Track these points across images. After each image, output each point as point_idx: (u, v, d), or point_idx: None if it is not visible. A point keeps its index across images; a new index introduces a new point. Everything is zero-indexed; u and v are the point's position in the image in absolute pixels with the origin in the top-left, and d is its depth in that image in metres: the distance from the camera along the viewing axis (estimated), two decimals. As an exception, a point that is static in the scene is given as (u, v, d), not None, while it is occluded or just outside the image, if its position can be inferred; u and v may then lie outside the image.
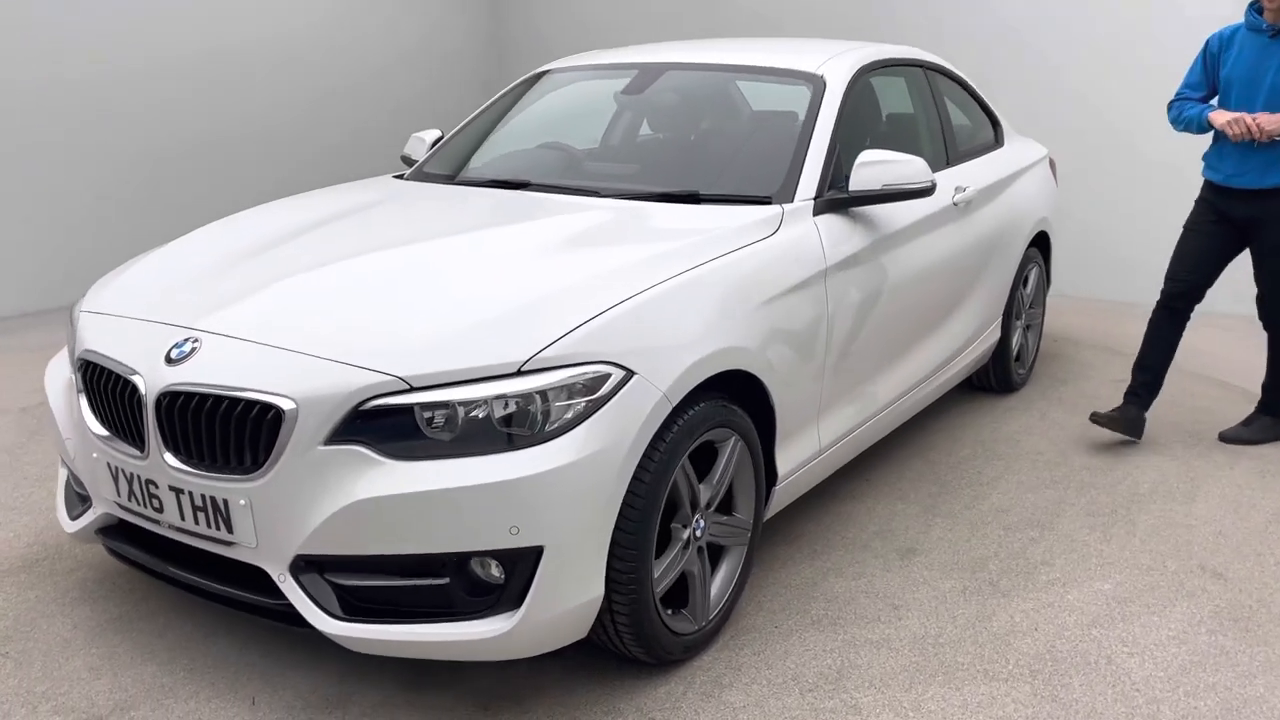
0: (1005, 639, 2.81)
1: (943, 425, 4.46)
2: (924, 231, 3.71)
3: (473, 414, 2.20)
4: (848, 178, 3.23)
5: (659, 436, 2.43)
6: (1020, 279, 4.71)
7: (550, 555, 2.23)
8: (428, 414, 2.20)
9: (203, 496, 2.33)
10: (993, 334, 4.54)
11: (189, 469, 2.34)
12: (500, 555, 2.23)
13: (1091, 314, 6.37)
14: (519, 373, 2.24)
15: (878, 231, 3.41)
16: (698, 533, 2.66)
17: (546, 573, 2.23)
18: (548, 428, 2.24)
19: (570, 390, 2.27)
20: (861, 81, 3.79)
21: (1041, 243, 5.03)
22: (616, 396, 2.32)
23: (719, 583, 2.79)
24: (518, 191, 3.37)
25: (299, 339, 2.35)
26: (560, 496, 2.22)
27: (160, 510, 2.42)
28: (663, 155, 3.66)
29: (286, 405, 2.22)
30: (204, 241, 3.13)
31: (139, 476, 2.44)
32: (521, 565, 2.24)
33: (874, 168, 3.23)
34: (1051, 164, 5.29)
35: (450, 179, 3.65)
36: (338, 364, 2.25)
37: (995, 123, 4.86)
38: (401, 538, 2.20)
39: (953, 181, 4.03)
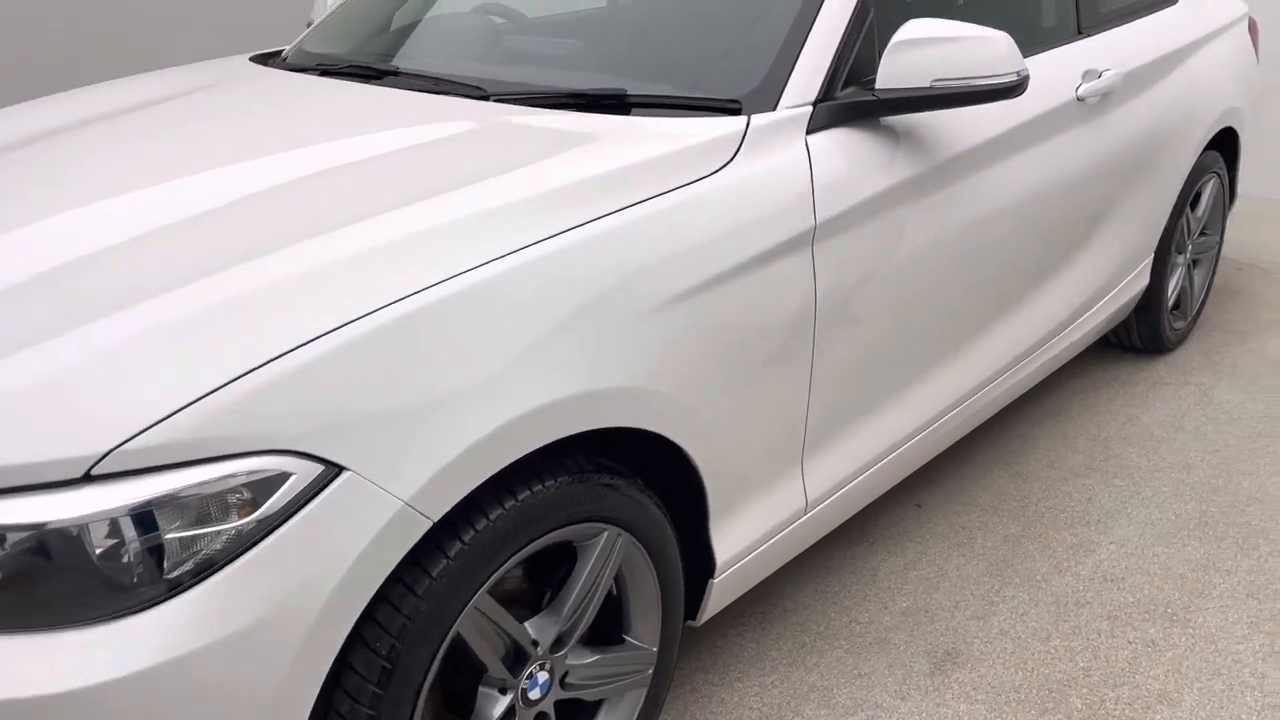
0: None
1: (1050, 410, 3.18)
2: (1021, 146, 2.39)
3: None
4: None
5: (406, 577, 1.35)
6: (1188, 199, 3.29)
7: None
8: None
9: None
10: (1138, 279, 3.18)
11: None
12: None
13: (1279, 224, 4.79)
14: (87, 478, 1.17)
15: (932, 155, 2.13)
16: (534, 693, 1.59)
17: None
18: (153, 582, 1.18)
19: (199, 509, 1.19)
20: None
21: (1225, 143, 3.55)
22: (302, 515, 1.23)
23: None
24: (370, 87, 2.21)
25: None
26: (178, 715, 1.18)
27: None
28: (617, 32, 2.40)
29: None
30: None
31: None
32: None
33: (919, 50, 1.94)
34: (1252, 26, 3.72)
35: (322, 61, 2.50)
36: None
37: (1167, -33, 3.35)
38: None
39: (1080, 63, 2.64)
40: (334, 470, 1.25)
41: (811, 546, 2.51)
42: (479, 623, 1.47)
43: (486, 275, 1.42)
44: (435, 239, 1.45)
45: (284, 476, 1.22)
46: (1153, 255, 3.23)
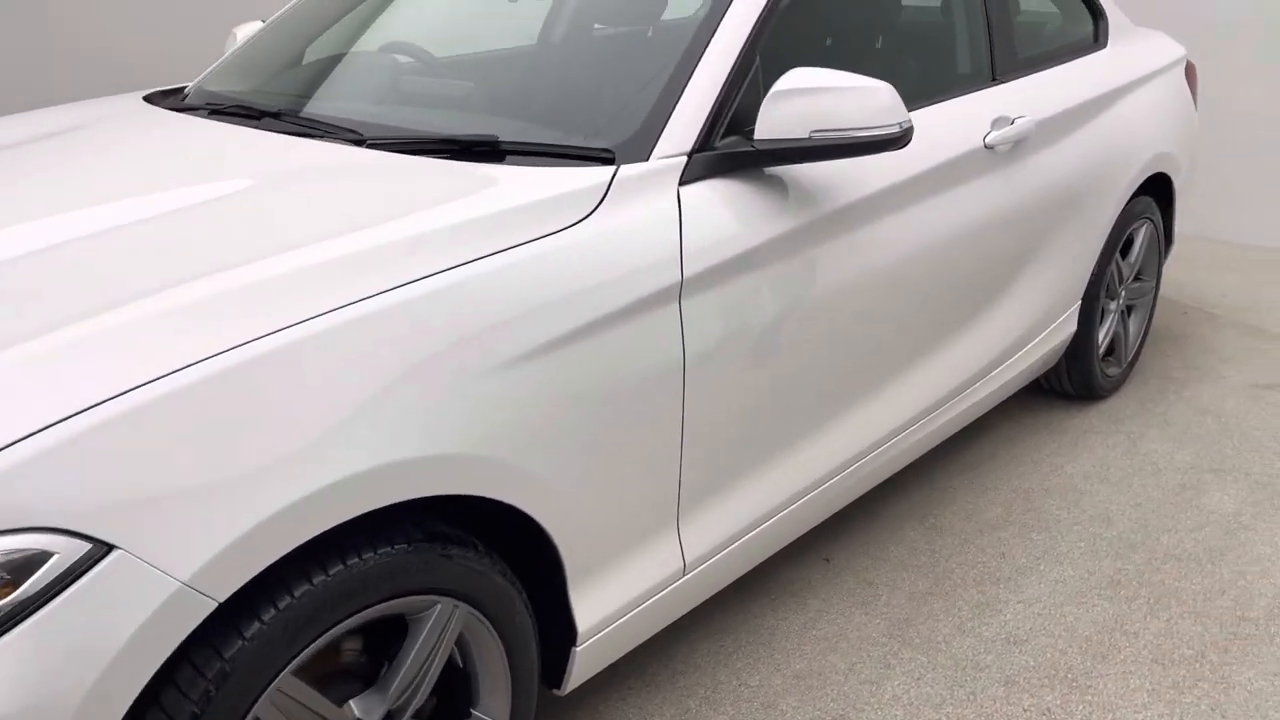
0: None
1: (974, 460, 3.11)
2: (923, 195, 2.34)
3: None
4: (768, 116, 1.91)
5: (196, 658, 1.28)
6: (1117, 245, 3.25)
7: None
8: None
9: None
10: (1065, 325, 3.12)
11: None
12: None
13: (1240, 268, 4.75)
14: None
15: (821, 204, 2.07)
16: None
17: None
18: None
19: (-57, 594, 1.12)
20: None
21: (1159, 188, 3.52)
22: (65, 596, 1.16)
23: None
24: (242, 130, 2.14)
25: None
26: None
27: None
28: (514, 77, 2.34)
29: None
30: None
31: None
32: None
33: (797, 101, 1.89)
34: (1190, 71, 3.70)
35: (212, 100, 2.43)
36: None
37: (1096, 11, 3.32)
38: None
39: (990, 111, 2.60)
40: (103, 548, 1.17)
41: (712, 602, 2.43)
42: (284, 706, 1.39)
43: (299, 335, 1.35)
44: (251, 296, 1.38)
45: (45, 556, 1.15)
46: (1080, 301, 3.18)
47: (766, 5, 2.08)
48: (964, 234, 2.48)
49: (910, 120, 1.95)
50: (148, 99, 2.56)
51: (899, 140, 1.93)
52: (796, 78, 1.91)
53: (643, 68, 2.05)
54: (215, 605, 1.24)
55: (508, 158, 1.89)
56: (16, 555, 1.13)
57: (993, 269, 2.65)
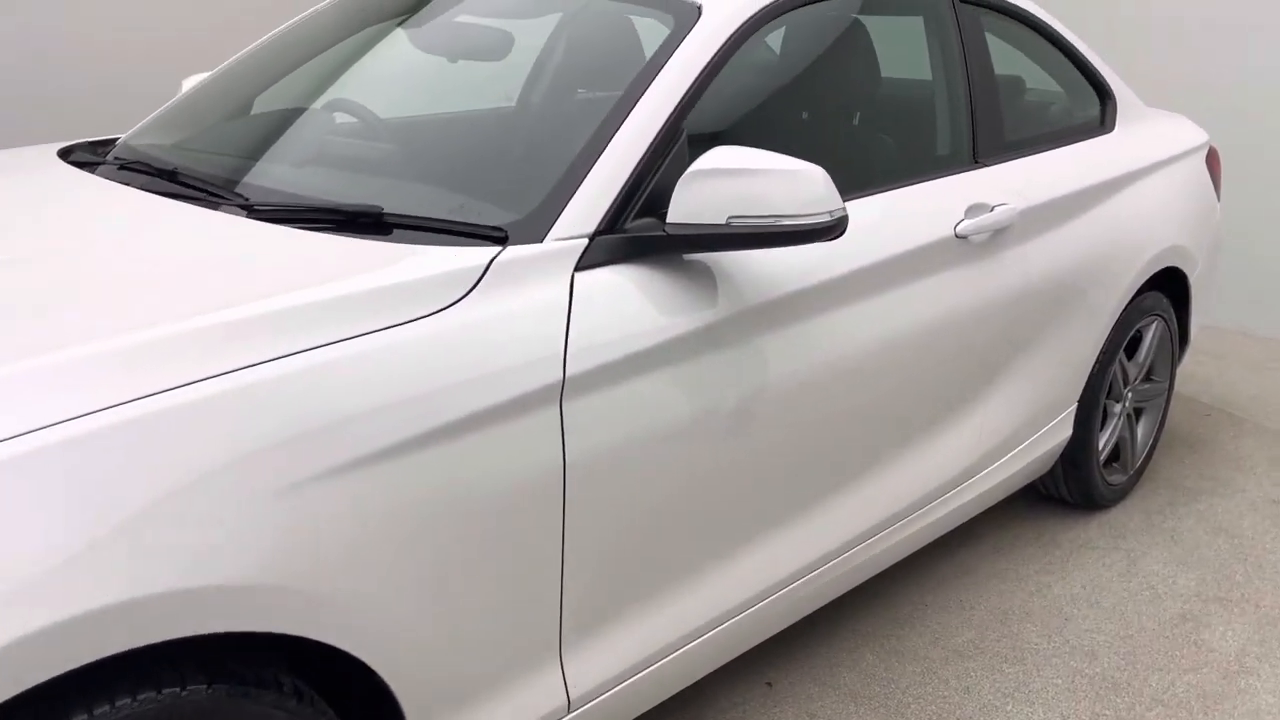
0: None
1: (951, 572, 2.83)
2: (875, 288, 2.11)
3: None
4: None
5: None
6: (1120, 343, 2.98)
7: None
8: None
9: None
10: (1059, 429, 2.85)
11: None
12: None
13: (1269, 367, 4.42)
14: None
15: (749, 296, 1.85)
16: None
17: None
18: None
19: None
20: (799, 18, 2.20)
21: (1173, 283, 3.25)
22: None
23: None
24: (125, 190, 1.96)
25: None
26: None
27: None
28: (438, 143, 2.16)
29: None
30: None
31: None
32: None
33: (715, 182, 1.68)
34: (1213, 158, 3.45)
35: (122, 154, 2.27)
36: None
37: (1103, 91, 3.09)
38: None
39: (966, 196, 2.37)
40: None
41: None
42: None
43: (38, 442, 1.15)
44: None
45: None
46: (1076, 403, 2.91)
47: (697, 78, 1.89)
48: (931, 329, 2.24)
49: (844, 209, 1.73)
50: (65, 151, 2.41)
51: (828, 231, 1.71)
52: (717, 157, 1.70)
53: (560, 140, 1.86)
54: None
55: (394, 232, 1.70)
56: None
57: (967, 367, 2.41)
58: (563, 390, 1.56)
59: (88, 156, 2.31)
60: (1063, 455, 2.99)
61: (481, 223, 1.69)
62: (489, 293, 1.55)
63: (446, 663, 1.51)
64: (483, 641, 1.56)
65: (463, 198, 1.79)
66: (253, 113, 2.42)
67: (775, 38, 2.43)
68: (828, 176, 1.72)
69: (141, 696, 1.21)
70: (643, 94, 1.83)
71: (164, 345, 1.30)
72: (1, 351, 1.25)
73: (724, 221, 1.68)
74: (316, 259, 1.58)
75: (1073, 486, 3.09)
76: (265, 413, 1.29)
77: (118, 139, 2.59)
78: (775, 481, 1.97)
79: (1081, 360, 2.83)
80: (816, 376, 1.98)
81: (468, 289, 1.53)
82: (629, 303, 1.68)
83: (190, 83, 2.83)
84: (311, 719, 1.37)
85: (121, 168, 2.15)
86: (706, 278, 1.80)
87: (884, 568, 2.43)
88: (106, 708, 1.18)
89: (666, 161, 1.80)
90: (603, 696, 1.77)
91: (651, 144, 1.79)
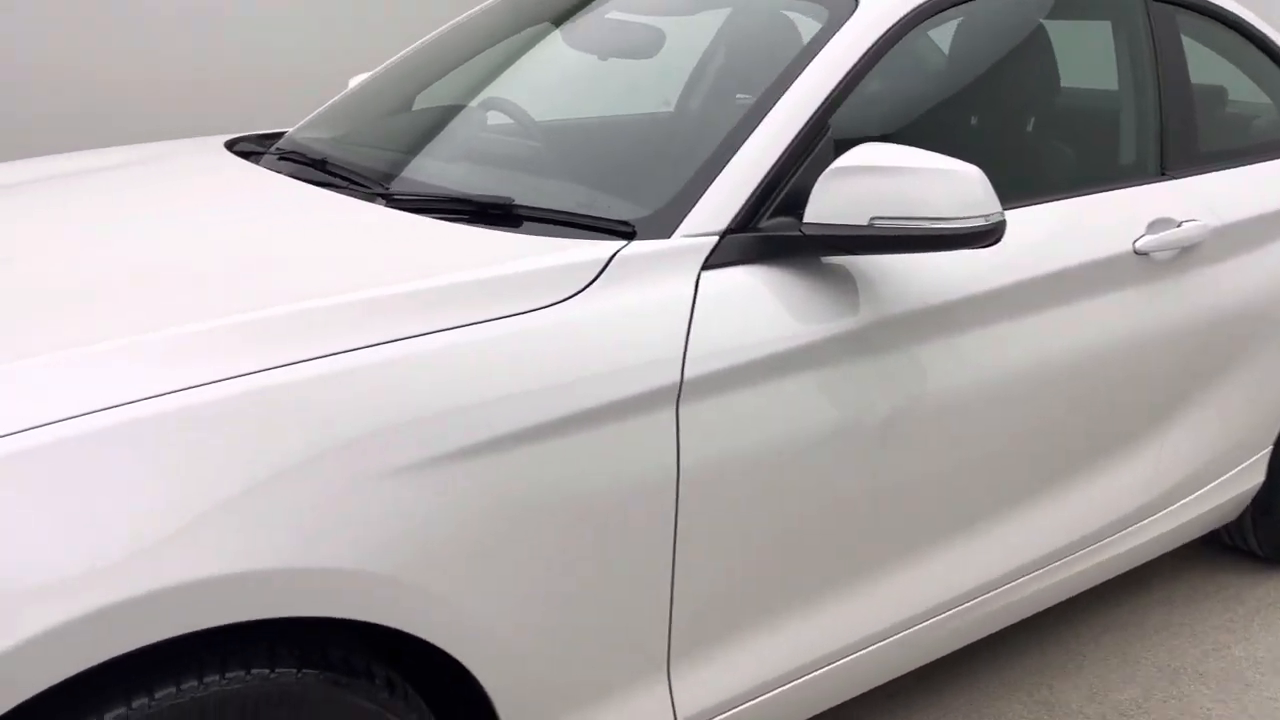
0: None
1: (1117, 621, 2.59)
2: (1039, 305, 1.93)
3: None
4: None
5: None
6: (1327, 382, 2.66)
7: None
8: None
9: None
10: (1249, 474, 2.57)
11: None
12: None
13: None
14: None
15: (893, 304, 1.73)
16: None
17: None
18: None
19: None
20: (973, 18, 2.06)
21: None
22: None
23: None
24: (273, 176, 2.01)
25: None
26: None
27: None
28: (579, 138, 2.13)
29: None
30: None
31: None
32: None
33: (859, 181, 1.57)
34: None
35: (282, 147, 2.34)
36: None
37: (1318, 102, 2.78)
38: None
39: (1149, 210, 2.16)
40: None
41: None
42: None
43: (149, 412, 1.16)
44: (119, 359, 1.21)
45: None
46: (1271, 446, 2.62)
47: (848, 74, 1.77)
48: (1102, 351, 2.04)
49: (1001, 214, 1.59)
50: (230, 142, 2.50)
51: (983, 237, 1.57)
52: (862, 154, 1.59)
53: (696, 136, 1.79)
54: (-22, 726, 1.05)
55: (524, 224, 1.67)
56: None
57: (1143, 396, 2.19)
58: (680, 392, 1.48)
59: (251, 147, 2.40)
60: (1253, 503, 2.70)
61: (609, 217, 1.63)
62: (609, 287, 1.49)
63: (547, 670, 1.45)
64: (587, 651, 1.49)
65: (596, 192, 1.75)
66: (412, 110, 2.46)
67: (944, 37, 2.29)
68: (985, 178, 1.58)
69: (230, 675, 1.20)
70: (786, 89, 1.74)
71: (283, 324, 1.29)
72: (126, 323, 1.28)
73: (866, 223, 1.57)
74: (443, 247, 1.56)
75: (1263, 538, 2.79)
76: (375, 396, 1.27)
77: (284, 133, 2.69)
78: (912, 507, 1.83)
79: (1278, 398, 2.54)
80: (966, 396, 1.83)
81: (587, 283, 1.48)
82: (758, 305, 1.59)
83: (356, 81, 2.91)
84: (403, 713, 1.34)
85: (281, 158, 2.22)
86: (845, 283, 1.69)
87: (1037, 610, 2.24)
88: (194, 683, 1.18)
89: (809, 160, 1.70)
90: (728, 715, 1.67)
91: (793, 141, 1.69)
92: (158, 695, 1.15)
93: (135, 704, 1.14)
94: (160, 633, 1.12)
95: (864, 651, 1.84)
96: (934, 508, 1.86)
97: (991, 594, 2.03)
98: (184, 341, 1.24)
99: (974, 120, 2.20)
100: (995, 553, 2.01)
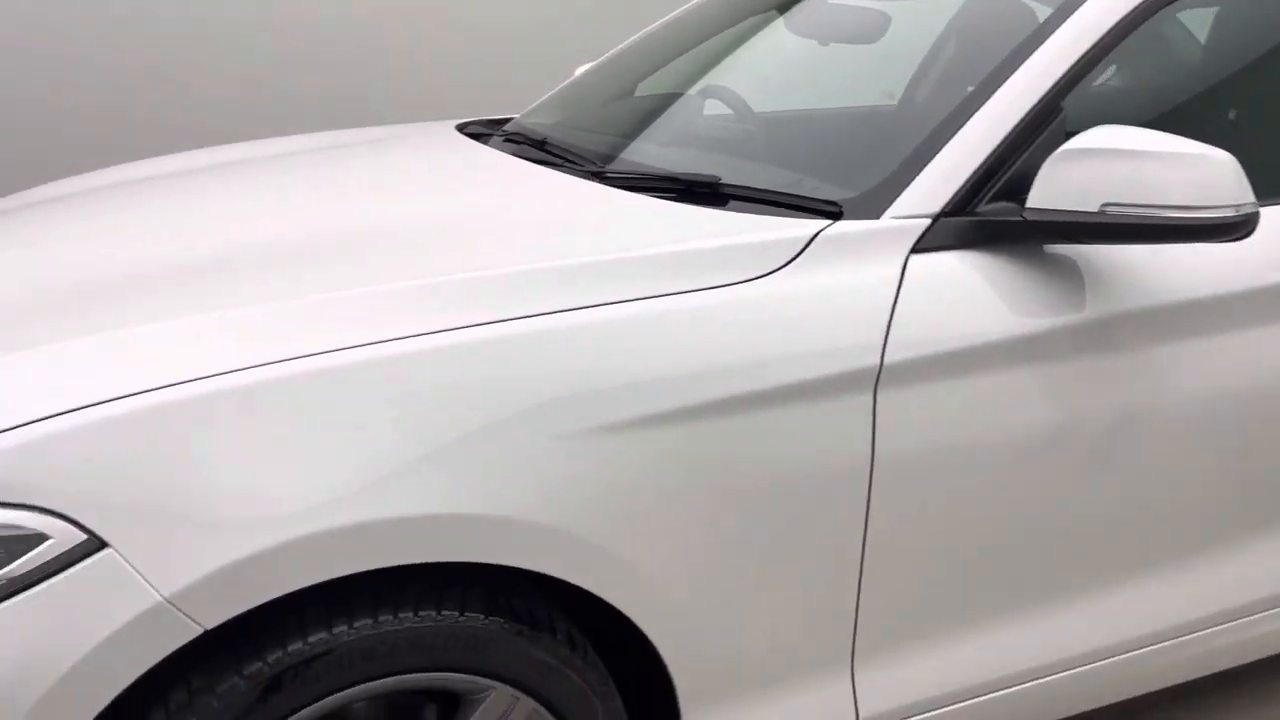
0: None
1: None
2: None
3: None
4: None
5: (196, 682, 1.17)
6: None
7: None
8: None
9: None
10: None
11: None
12: None
13: None
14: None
15: (1120, 300, 1.60)
16: None
17: None
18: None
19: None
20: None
21: None
22: (49, 584, 1.10)
23: None
24: (495, 154, 2.09)
25: None
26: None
27: None
28: (798, 124, 2.10)
29: None
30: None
31: None
32: None
33: (1091, 164, 1.47)
34: None
35: (507, 129, 2.44)
36: None
37: None
38: None
39: None
40: (96, 544, 1.11)
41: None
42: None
43: (367, 357, 1.23)
44: (347, 310, 1.29)
45: (39, 538, 1.10)
46: None
47: (1086, 54, 1.65)
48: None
49: (1254, 205, 1.45)
50: (461, 125, 2.63)
51: (1232, 230, 1.44)
52: (1097, 136, 1.49)
53: (919, 120, 1.73)
54: (201, 631, 1.14)
55: (730, 203, 1.66)
56: (12, 532, 1.10)
57: None
58: (879, 378, 1.43)
59: (479, 129, 2.51)
60: None
61: (816, 196, 1.60)
62: (811, 265, 1.45)
63: (727, 650, 1.44)
64: (769, 635, 1.47)
65: (804, 175, 1.72)
66: (634, 96, 2.51)
67: (1200, 23, 2.12)
68: (1238, 165, 1.44)
69: (423, 614, 1.26)
70: (1017, 68, 1.65)
71: (499, 284, 1.36)
72: (369, 275, 1.38)
73: (1097, 209, 1.46)
74: (648, 220, 1.59)
75: None
76: (580, 358, 1.31)
77: (510, 118, 2.81)
78: (1131, 523, 1.69)
79: None
80: (1205, 405, 1.67)
81: (787, 260, 1.45)
82: (970, 292, 1.51)
83: (581, 70, 3.00)
84: (582, 671, 1.36)
85: (506, 139, 2.32)
86: (1071, 274, 1.58)
87: (1241, 663, 2.01)
88: (389, 616, 1.24)
89: (1037, 143, 1.60)
90: (912, 723, 1.60)
91: (1020, 122, 1.59)
92: (356, 624, 1.22)
93: (336, 630, 1.21)
94: (370, 562, 1.19)
95: (1060, 677, 1.71)
96: (1150, 526, 1.71)
97: (1212, 630, 1.84)
98: (410, 295, 1.32)
99: (1230, 113, 2.02)
100: (1228, 583, 1.83)
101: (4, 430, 1.12)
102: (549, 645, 1.33)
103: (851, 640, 1.53)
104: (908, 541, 1.51)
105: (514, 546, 1.26)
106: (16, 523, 1.10)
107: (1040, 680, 1.69)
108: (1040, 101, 1.61)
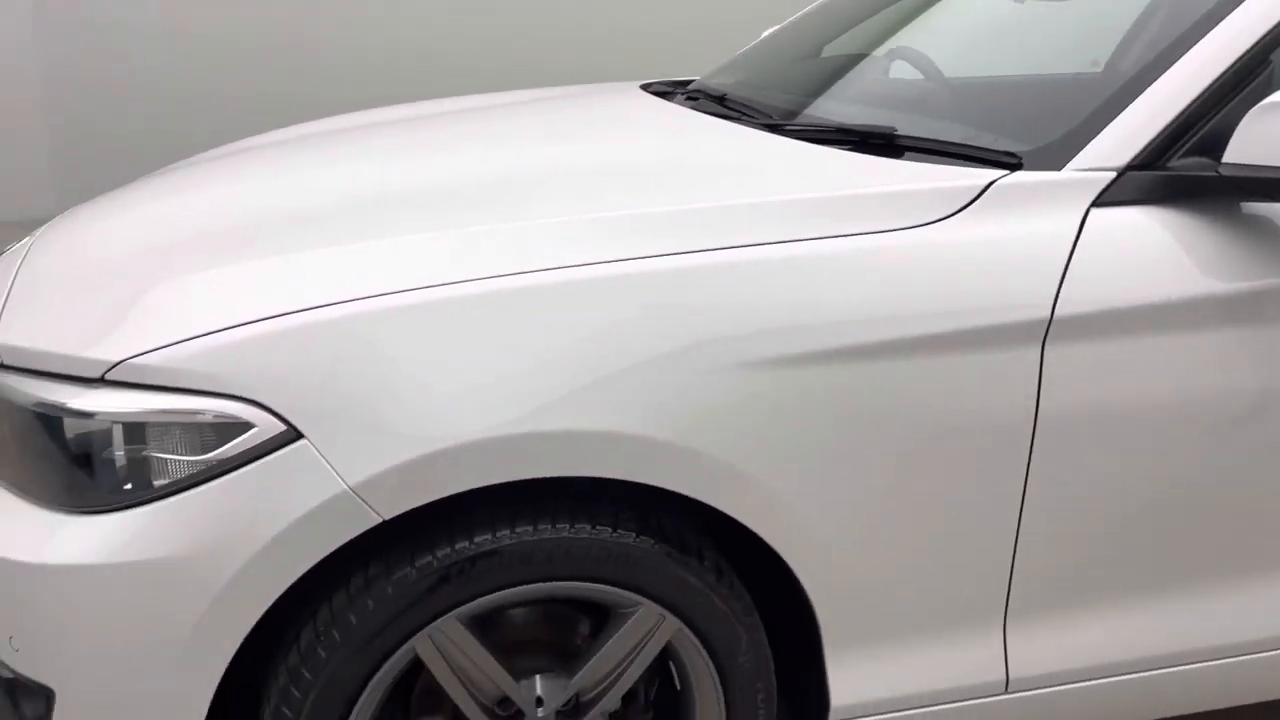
0: None
1: None
2: None
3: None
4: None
5: (373, 569, 1.28)
6: None
7: (67, 712, 1.28)
8: None
9: None
10: None
11: None
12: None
13: None
14: (101, 380, 1.27)
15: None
16: (528, 751, 1.40)
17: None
18: (112, 490, 1.26)
19: (165, 436, 1.24)
20: None
21: None
22: (250, 468, 1.23)
23: None
24: (679, 108, 2.15)
25: None
26: (82, 614, 1.25)
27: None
28: (967, 71, 2.04)
29: None
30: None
31: None
32: (28, 707, 1.33)
33: (1297, 118, 1.38)
34: None
35: (690, 88, 2.49)
36: None
37: None
38: None
39: None
40: (293, 434, 1.22)
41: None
42: (453, 658, 1.33)
43: (540, 281, 1.30)
44: (526, 239, 1.38)
45: (246, 426, 1.23)
46: None
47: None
48: None
49: None
50: (645, 85, 2.70)
51: None
52: (1306, 88, 1.40)
53: (1112, 75, 1.66)
54: (379, 520, 1.24)
55: (906, 155, 1.65)
56: (223, 419, 1.23)
57: None
58: (1047, 331, 1.40)
59: (663, 88, 2.58)
60: None
61: (994, 148, 1.57)
62: (984, 214, 1.43)
63: (875, 594, 1.45)
64: (920, 583, 1.46)
65: (985, 129, 1.69)
66: (819, 57, 2.51)
67: None
68: None
69: (578, 526, 1.32)
70: (1220, 20, 1.56)
71: (673, 220, 1.41)
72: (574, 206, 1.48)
73: (1294, 166, 1.38)
74: (821, 168, 1.60)
75: None
76: (746, 291, 1.34)
77: (692, 80, 2.86)
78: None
79: None
80: None
81: (958, 208, 1.43)
82: (1155, 249, 1.45)
83: (768, 32, 3.02)
84: (726, 599, 1.40)
85: (687, 97, 2.37)
86: (1269, 235, 1.49)
87: None
88: (548, 526, 1.31)
89: (1240, 96, 1.52)
90: (1046, 689, 1.57)
91: (1223, 73, 1.50)
92: (518, 529, 1.30)
93: (499, 533, 1.29)
94: (536, 471, 1.27)
95: (1222, 663, 1.62)
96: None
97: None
98: (603, 225, 1.40)
99: None
100: None
101: (224, 329, 1.25)
102: (696, 569, 1.38)
103: (1005, 598, 1.51)
104: (1068, 502, 1.47)
105: (665, 469, 1.31)
106: (228, 411, 1.23)
107: (1192, 665, 1.61)
108: (1245, 55, 1.52)
